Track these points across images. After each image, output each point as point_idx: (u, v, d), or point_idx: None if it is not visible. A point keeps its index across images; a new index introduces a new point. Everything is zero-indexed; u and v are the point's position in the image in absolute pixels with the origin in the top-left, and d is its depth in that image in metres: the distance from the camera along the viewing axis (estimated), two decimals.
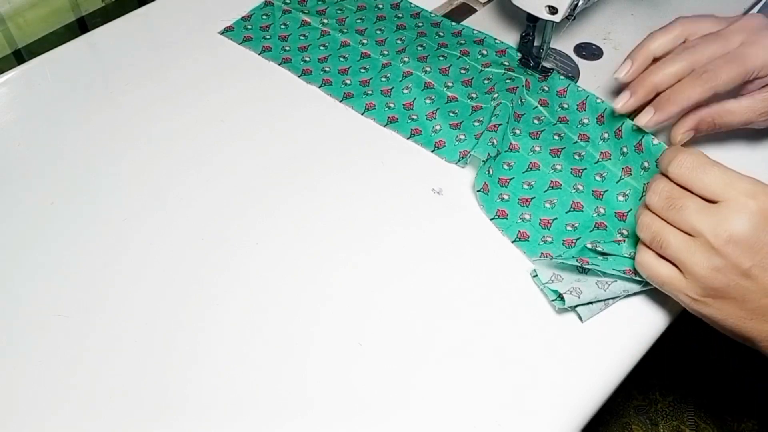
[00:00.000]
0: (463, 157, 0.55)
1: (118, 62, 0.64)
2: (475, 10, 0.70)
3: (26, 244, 0.50)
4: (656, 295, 0.47)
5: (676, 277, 0.43)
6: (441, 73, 0.62)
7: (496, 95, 0.58)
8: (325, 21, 0.67)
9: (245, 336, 0.45)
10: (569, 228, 0.51)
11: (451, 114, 0.58)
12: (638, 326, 0.46)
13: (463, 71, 0.62)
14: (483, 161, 0.53)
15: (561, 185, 0.53)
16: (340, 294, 0.48)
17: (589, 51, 0.65)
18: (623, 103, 0.51)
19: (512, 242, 0.50)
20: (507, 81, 0.59)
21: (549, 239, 0.50)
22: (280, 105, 0.60)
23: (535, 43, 0.61)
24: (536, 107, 0.58)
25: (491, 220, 0.51)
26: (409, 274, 0.49)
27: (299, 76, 0.62)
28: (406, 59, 0.63)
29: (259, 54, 0.64)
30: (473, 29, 0.66)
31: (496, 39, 0.65)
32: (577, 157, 0.55)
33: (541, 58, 0.61)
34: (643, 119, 0.50)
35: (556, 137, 0.56)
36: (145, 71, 0.63)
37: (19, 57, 0.67)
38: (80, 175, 0.55)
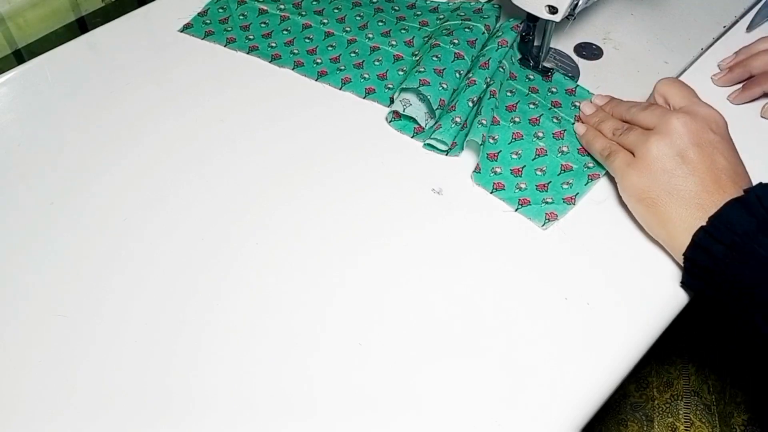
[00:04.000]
0: (441, 106, 0.57)
1: (118, 62, 0.64)
2: None
3: (26, 244, 0.50)
4: (656, 297, 0.47)
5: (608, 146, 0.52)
6: (407, 45, 0.64)
7: (457, 41, 0.60)
8: (282, 6, 0.69)
9: (246, 336, 0.45)
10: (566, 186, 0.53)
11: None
12: (638, 327, 0.46)
13: (426, 39, 0.64)
14: (480, 143, 0.54)
15: (547, 151, 0.56)
16: (339, 294, 0.47)
17: (589, 51, 0.65)
18: (720, 76, 0.60)
19: (516, 210, 0.52)
20: (466, 30, 0.61)
21: (550, 200, 0.52)
22: (280, 105, 0.60)
23: (535, 43, 0.61)
24: (508, 79, 0.61)
25: (491, 193, 0.53)
26: (408, 274, 0.49)
27: (270, 62, 0.63)
28: (370, 35, 0.65)
29: (224, 46, 0.65)
30: None
31: (449, 2, 0.67)
32: (555, 120, 0.58)
33: (541, 58, 0.61)
34: (733, 95, 0.59)
35: (531, 106, 0.59)
36: (145, 71, 0.63)
37: (19, 57, 0.67)
38: (80, 175, 0.55)
